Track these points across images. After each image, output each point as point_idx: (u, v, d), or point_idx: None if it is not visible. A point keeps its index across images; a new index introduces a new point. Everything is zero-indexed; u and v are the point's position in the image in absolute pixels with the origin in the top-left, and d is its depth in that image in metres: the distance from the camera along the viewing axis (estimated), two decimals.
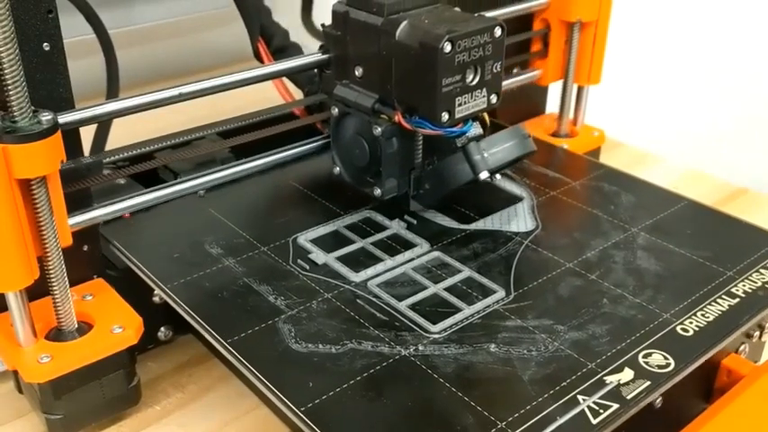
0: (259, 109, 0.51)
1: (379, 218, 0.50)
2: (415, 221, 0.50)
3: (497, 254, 0.47)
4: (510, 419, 0.35)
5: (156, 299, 0.48)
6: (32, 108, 0.38)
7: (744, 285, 0.44)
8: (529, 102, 0.72)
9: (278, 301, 0.42)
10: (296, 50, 0.63)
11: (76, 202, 0.44)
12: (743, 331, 0.42)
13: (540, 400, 0.36)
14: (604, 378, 0.37)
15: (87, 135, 0.49)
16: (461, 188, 0.48)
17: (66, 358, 0.42)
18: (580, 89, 0.68)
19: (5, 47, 0.35)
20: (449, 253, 0.47)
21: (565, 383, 0.37)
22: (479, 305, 0.42)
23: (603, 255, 0.47)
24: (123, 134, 0.49)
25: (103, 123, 0.53)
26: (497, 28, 0.44)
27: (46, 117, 0.38)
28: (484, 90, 0.45)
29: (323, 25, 0.50)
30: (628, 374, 0.38)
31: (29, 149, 0.37)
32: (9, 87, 0.36)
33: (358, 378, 0.37)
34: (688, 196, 0.54)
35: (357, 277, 0.44)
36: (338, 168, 0.51)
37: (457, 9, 0.47)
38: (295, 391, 0.36)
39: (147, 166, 0.48)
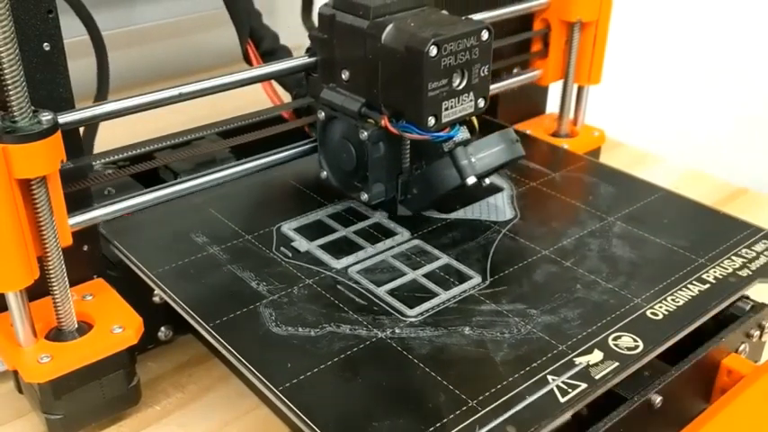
0: (259, 109, 0.51)
1: (362, 207, 0.52)
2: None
3: (476, 242, 0.48)
4: (481, 398, 0.36)
5: (156, 299, 0.48)
6: (32, 108, 0.38)
7: (715, 272, 0.45)
8: (529, 102, 0.72)
9: (260, 286, 0.44)
10: (285, 54, 0.63)
11: (76, 202, 0.44)
12: (711, 315, 0.43)
13: (511, 379, 0.37)
14: (574, 359, 0.39)
15: None
16: (449, 193, 0.48)
17: (66, 358, 0.42)
18: (580, 89, 0.68)
19: (5, 47, 0.35)
20: (428, 241, 0.48)
21: (535, 364, 0.38)
22: (455, 290, 0.44)
23: (579, 243, 0.48)
24: (123, 134, 0.49)
25: (90, 126, 0.53)
26: (484, 31, 0.44)
27: (46, 117, 0.38)
28: (471, 94, 0.45)
29: (314, 28, 0.50)
30: (597, 356, 0.39)
31: (29, 149, 0.37)
32: (9, 87, 0.36)
33: (335, 359, 0.39)
34: (665, 187, 0.55)
35: (338, 264, 0.46)
36: (325, 173, 0.50)
37: (444, 12, 0.47)
38: (274, 371, 0.38)
39: (147, 166, 0.48)
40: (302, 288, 0.44)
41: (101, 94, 0.56)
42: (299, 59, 0.50)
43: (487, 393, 0.36)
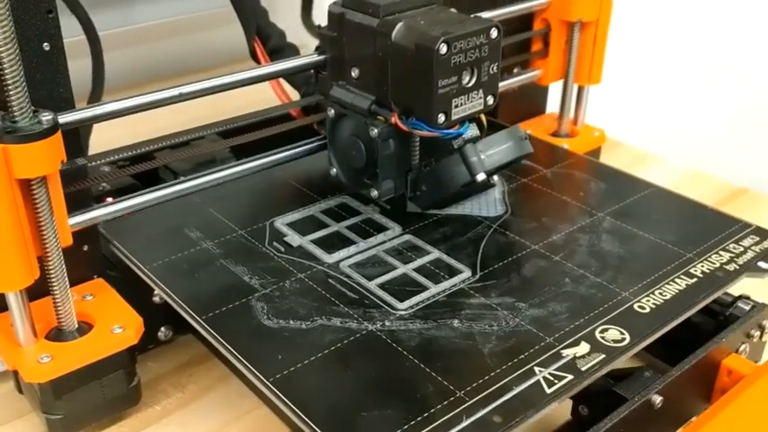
0: (259, 109, 0.51)
1: (355, 203, 0.52)
2: (389, 206, 0.51)
3: (466, 237, 0.49)
4: (468, 389, 0.37)
5: (156, 299, 0.48)
6: (32, 108, 0.38)
7: (702, 266, 0.46)
8: (529, 101, 0.72)
9: (252, 280, 0.44)
10: (292, 51, 0.63)
11: (76, 202, 0.44)
12: (698, 309, 0.44)
13: (499, 371, 0.38)
14: (561, 351, 0.39)
15: None
16: (458, 190, 0.48)
17: (66, 358, 0.42)
18: (580, 89, 0.68)
19: (5, 47, 0.35)
20: (420, 236, 0.49)
21: (523, 356, 0.39)
22: (446, 284, 0.44)
23: (569, 238, 0.49)
24: (123, 134, 0.49)
25: (84, 128, 0.53)
26: (494, 29, 0.44)
27: (46, 117, 0.38)
28: (480, 91, 0.45)
29: (319, 26, 0.50)
30: (584, 348, 0.39)
31: (29, 149, 0.37)
32: (9, 87, 0.36)
33: (326, 351, 0.39)
34: (655, 183, 0.55)
35: (330, 258, 0.46)
36: (335, 170, 0.51)
37: (453, 10, 0.47)
38: (265, 363, 0.38)
39: (147, 166, 0.48)
40: (294, 282, 0.44)
41: (95, 95, 0.56)
42: (309, 57, 0.51)
43: (475, 384, 0.37)
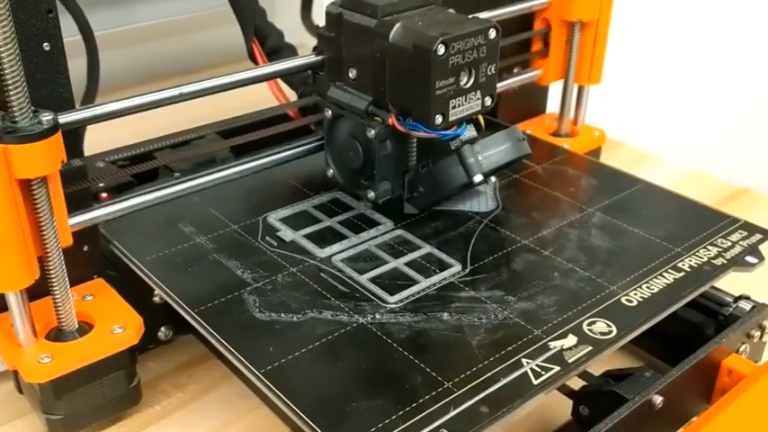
0: (259, 109, 0.51)
1: (347, 199, 0.53)
2: (380, 202, 0.51)
3: (457, 232, 0.49)
4: (456, 380, 0.37)
5: (156, 299, 0.48)
6: (33, 108, 0.38)
7: (690, 260, 0.46)
8: (529, 101, 0.72)
9: (245, 274, 0.45)
10: (290, 51, 0.63)
11: (76, 202, 0.44)
12: (685, 303, 0.44)
13: (486, 362, 0.38)
14: (549, 343, 0.40)
15: None
16: (456, 191, 0.48)
17: (66, 358, 0.42)
18: (581, 89, 0.68)
19: (5, 47, 0.35)
20: (411, 231, 0.49)
21: (510, 348, 0.39)
22: (436, 278, 0.45)
23: (559, 233, 0.49)
24: (123, 134, 0.49)
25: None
26: (492, 30, 0.44)
27: (46, 117, 0.38)
28: (478, 92, 0.45)
29: (317, 26, 0.50)
30: (571, 340, 0.40)
31: (29, 150, 0.37)
32: (9, 87, 0.36)
33: (316, 344, 0.40)
34: (645, 179, 0.56)
35: (322, 253, 0.47)
36: (332, 171, 0.51)
37: (451, 11, 0.47)
38: (256, 355, 0.39)
39: (147, 166, 0.48)
40: (286, 276, 0.45)
41: (89, 95, 0.56)
42: (306, 58, 0.51)
43: (463, 375, 0.37)
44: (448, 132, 0.45)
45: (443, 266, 0.46)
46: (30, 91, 0.37)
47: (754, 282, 0.50)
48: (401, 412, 0.35)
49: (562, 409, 0.45)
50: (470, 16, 0.46)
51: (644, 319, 0.42)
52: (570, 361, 0.38)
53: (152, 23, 0.90)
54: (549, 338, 0.40)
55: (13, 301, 0.40)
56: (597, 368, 0.44)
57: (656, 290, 0.44)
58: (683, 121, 1.16)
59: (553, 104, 0.72)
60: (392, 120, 0.45)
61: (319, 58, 0.50)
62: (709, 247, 0.47)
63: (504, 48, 0.64)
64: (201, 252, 0.47)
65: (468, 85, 0.44)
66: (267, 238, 0.48)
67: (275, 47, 0.62)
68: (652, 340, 0.50)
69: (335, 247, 0.47)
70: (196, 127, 0.49)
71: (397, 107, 0.45)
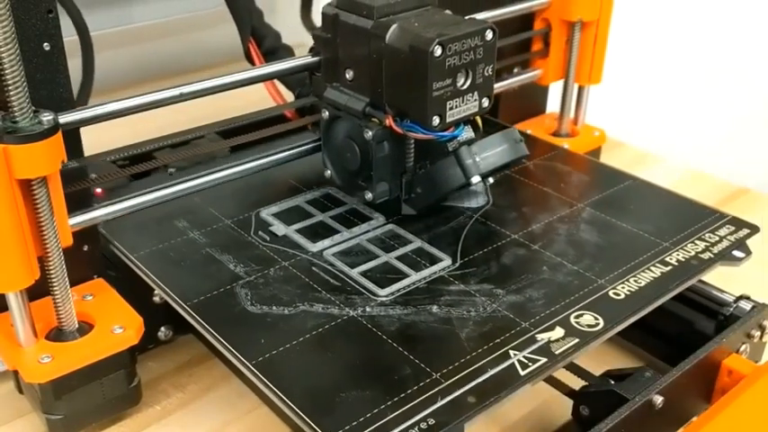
0: (258, 109, 0.51)
1: (340, 194, 0.53)
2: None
3: (448, 227, 0.50)
4: (444, 371, 0.38)
5: (156, 299, 0.48)
6: (33, 108, 0.38)
7: (677, 255, 0.47)
8: (529, 101, 0.72)
9: (237, 268, 0.45)
10: (287, 52, 0.63)
11: (76, 202, 0.44)
12: (672, 296, 0.44)
13: (474, 354, 0.39)
14: (536, 336, 0.40)
15: None
16: (453, 192, 0.48)
17: (66, 358, 0.42)
18: (581, 89, 0.68)
19: (6, 47, 0.35)
20: (403, 226, 0.50)
21: (498, 340, 0.40)
22: (426, 272, 0.45)
23: (548, 227, 0.50)
24: (123, 134, 0.49)
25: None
26: (489, 31, 0.44)
27: (46, 117, 0.38)
28: (475, 94, 0.45)
29: (314, 27, 0.50)
30: (558, 332, 0.40)
31: (29, 150, 0.37)
32: (9, 87, 0.36)
33: (307, 336, 0.40)
34: (635, 175, 0.56)
35: (314, 247, 0.47)
36: (329, 172, 0.51)
37: (448, 12, 0.47)
38: (247, 347, 0.39)
39: (147, 166, 0.48)
40: (278, 270, 0.45)
41: (82, 97, 0.56)
42: (303, 59, 0.50)
43: (451, 367, 0.38)
44: (445, 134, 0.45)
45: (434, 260, 0.46)
46: (30, 91, 0.37)
47: (754, 282, 0.50)
48: (389, 402, 0.36)
49: (562, 409, 0.45)
50: (467, 17, 0.46)
51: (631, 312, 0.42)
52: (557, 353, 0.39)
53: (151, 23, 0.90)
54: (536, 331, 0.40)
55: (14, 301, 0.40)
56: (597, 368, 0.44)
57: (643, 283, 0.44)
58: (683, 121, 1.16)
59: (553, 104, 0.72)
60: (389, 121, 0.45)
61: (316, 59, 0.50)
62: (696, 242, 0.48)
63: (504, 48, 0.64)
64: (195, 246, 0.47)
65: (465, 87, 0.44)
66: (260, 232, 0.49)
67: (272, 48, 0.62)
68: (652, 340, 0.50)
69: (327, 242, 0.48)
70: (196, 127, 0.48)
71: (395, 108, 0.45)
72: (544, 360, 0.38)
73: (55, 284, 0.41)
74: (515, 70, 0.67)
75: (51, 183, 0.39)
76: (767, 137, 1.18)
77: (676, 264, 0.46)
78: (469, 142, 0.47)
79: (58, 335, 0.43)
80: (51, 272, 0.40)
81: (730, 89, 1.15)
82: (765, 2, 1.12)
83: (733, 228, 0.49)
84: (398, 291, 0.44)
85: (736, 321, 0.45)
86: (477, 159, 0.46)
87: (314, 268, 0.45)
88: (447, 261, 0.46)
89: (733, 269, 0.47)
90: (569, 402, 0.43)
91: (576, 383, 0.44)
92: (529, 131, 0.67)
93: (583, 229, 0.50)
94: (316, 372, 0.38)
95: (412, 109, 0.44)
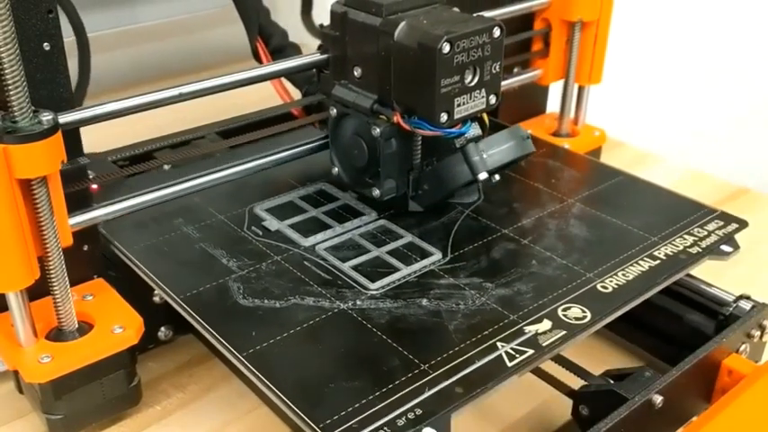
0: (259, 109, 0.51)
1: (333, 190, 0.54)
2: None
3: (439, 222, 0.50)
4: (432, 362, 0.38)
5: (156, 299, 0.48)
6: (33, 108, 0.38)
7: (666, 249, 0.47)
8: (530, 101, 0.72)
9: (230, 262, 0.46)
10: (294, 50, 0.63)
11: (76, 202, 0.44)
12: (660, 289, 0.45)
13: (462, 346, 0.39)
14: (524, 328, 0.41)
15: None
16: (460, 189, 0.48)
17: (66, 358, 0.42)
18: (581, 89, 0.68)
19: (6, 47, 0.35)
20: (394, 221, 0.50)
21: (486, 332, 0.40)
22: (416, 266, 0.46)
23: (538, 222, 0.50)
24: (123, 134, 0.49)
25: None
26: (496, 28, 0.44)
27: (46, 117, 0.38)
28: (483, 91, 0.45)
29: (321, 26, 0.50)
30: (546, 325, 0.41)
31: (29, 150, 0.37)
32: (9, 87, 0.36)
33: (298, 328, 0.41)
34: (626, 171, 0.57)
35: (306, 242, 0.48)
36: (336, 169, 0.51)
37: (456, 9, 0.47)
38: (238, 339, 0.40)
39: (147, 167, 0.48)
40: (270, 264, 0.46)
41: (78, 97, 0.56)
42: (311, 57, 0.51)
43: (439, 358, 0.38)
44: (453, 130, 0.45)
45: (424, 255, 0.47)
46: (30, 91, 0.37)
47: (754, 281, 0.50)
48: (378, 393, 0.36)
49: (562, 409, 0.45)
50: (475, 15, 0.46)
51: (618, 305, 0.42)
52: (544, 345, 0.39)
53: (153, 23, 0.90)
54: (524, 323, 0.41)
55: (14, 301, 0.40)
56: (597, 368, 0.44)
57: (631, 277, 0.44)
58: (683, 122, 1.16)
59: (553, 104, 0.72)
60: (397, 118, 0.45)
61: (324, 56, 0.50)
62: (685, 236, 0.48)
63: (504, 47, 0.64)
64: (188, 241, 0.48)
65: (472, 84, 0.44)
66: (253, 227, 0.49)
67: (279, 46, 0.62)
68: (652, 340, 0.50)
69: (319, 237, 0.48)
70: (196, 127, 0.48)
71: (402, 105, 0.45)
72: (531, 352, 0.39)
73: (55, 284, 0.41)
74: (515, 70, 0.67)
75: (51, 183, 0.39)
76: (767, 137, 1.18)
77: (664, 258, 0.46)
78: (476, 139, 0.47)
79: (58, 335, 0.43)
80: (51, 272, 0.40)
81: (730, 89, 1.15)
82: (765, 2, 1.12)
83: (722, 222, 0.50)
84: (389, 284, 0.44)
85: (736, 321, 0.45)
86: (485, 156, 0.47)
87: (306, 262, 0.46)
88: (437, 255, 0.46)
89: (733, 269, 0.47)
90: (569, 402, 0.43)
91: (576, 383, 0.44)
92: (529, 131, 0.67)
93: (572, 224, 0.50)
94: (306, 363, 0.38)
95: (420, 105, 0.44)
